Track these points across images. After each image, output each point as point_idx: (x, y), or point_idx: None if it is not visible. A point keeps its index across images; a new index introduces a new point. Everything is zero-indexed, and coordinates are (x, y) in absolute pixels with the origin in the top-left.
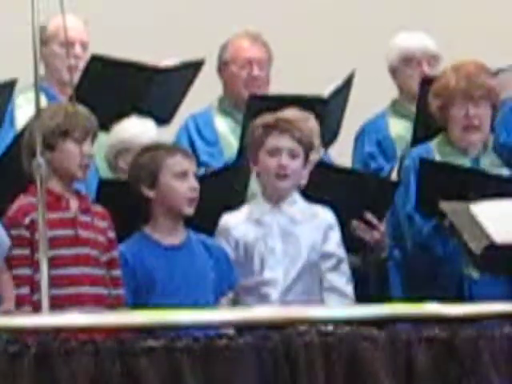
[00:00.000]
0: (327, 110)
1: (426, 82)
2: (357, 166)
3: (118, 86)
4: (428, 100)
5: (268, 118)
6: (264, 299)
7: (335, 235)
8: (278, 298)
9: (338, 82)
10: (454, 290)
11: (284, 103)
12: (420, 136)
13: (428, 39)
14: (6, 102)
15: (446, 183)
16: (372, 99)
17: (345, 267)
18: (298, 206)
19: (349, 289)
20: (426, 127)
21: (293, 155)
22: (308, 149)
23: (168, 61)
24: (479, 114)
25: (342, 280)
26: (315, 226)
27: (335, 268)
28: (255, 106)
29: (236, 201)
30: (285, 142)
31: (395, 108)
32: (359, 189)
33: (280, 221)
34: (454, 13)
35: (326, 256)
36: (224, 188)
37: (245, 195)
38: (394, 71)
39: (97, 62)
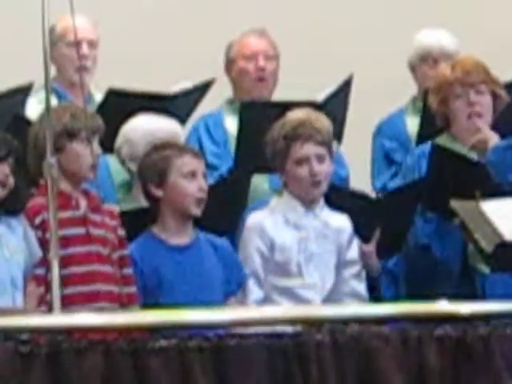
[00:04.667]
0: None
1: None
2: (377, 161)
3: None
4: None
5: (286, 127)
6: (305, 303)
7: (356, 242)
8: (319, 302)
9: (333, 86)
10: (461, 290)
11: (277, 109)
12: (426, 135)
13: (446, 37)
14: (22, 105)
15: (457, 176)
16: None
17: (363, 274)
18: (326, 209)
19: (366, 294)
20: (432, 127)
21: (320, 159)
22: (331, 146)
23: (179, 85)
24: (481, 101)
25: (362, 286)
26: (341, 230)
27: (358, 275)
28: (248, 113)
29: (235, 210)
30: (310, 148)
31: (415, 105)
32: (345, 208)
33: (316, 225)
34: (473, 11)
35: (350, 263)
36: (222, 200)
37: (245, 204)
38: (412, 68)
39: (113, 95)
